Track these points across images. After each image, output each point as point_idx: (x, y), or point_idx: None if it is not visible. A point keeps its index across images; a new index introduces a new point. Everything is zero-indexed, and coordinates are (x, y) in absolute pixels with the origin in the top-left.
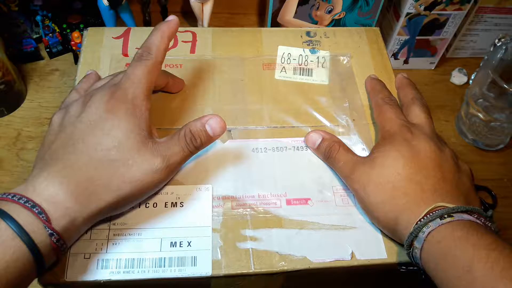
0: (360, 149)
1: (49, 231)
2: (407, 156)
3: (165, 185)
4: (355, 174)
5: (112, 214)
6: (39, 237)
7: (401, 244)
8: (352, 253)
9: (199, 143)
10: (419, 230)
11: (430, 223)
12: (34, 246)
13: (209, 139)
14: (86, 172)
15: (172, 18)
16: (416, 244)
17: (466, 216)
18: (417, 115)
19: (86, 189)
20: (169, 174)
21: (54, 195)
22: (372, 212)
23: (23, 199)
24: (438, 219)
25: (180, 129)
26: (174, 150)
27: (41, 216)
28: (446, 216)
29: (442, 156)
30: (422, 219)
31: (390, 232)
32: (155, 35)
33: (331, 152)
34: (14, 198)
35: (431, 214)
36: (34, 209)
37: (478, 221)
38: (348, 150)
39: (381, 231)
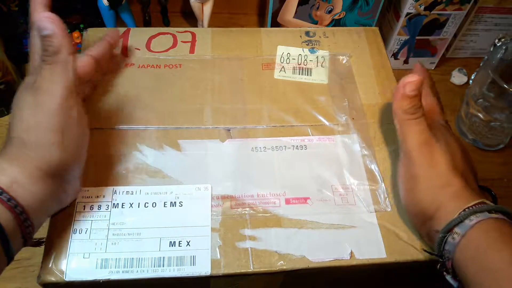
0: (359, 148)
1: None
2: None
3: (164, 184)
4: (423, 149)
5: (66, 165)
6: None
7: (428, 243)
8: (351, 252)
9: (49, 47)
10: (466, 217)
11: (478, 214)
12: None
13: (51, 37)
14: (18, 138)
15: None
16: (458, 229)
17: (507, 218)
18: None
19: (19, 149)
20: (72, 90)
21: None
22: (418, 192)
23: None
24: (486, 212)
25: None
26: (47, 69)
27: None
28: (493, 211)
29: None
30: (470, 207)
31: (421, 217)
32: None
33: (423, 114)
34: None
35: (477, 206)
36: None
37: None
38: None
39: (380, 230)
